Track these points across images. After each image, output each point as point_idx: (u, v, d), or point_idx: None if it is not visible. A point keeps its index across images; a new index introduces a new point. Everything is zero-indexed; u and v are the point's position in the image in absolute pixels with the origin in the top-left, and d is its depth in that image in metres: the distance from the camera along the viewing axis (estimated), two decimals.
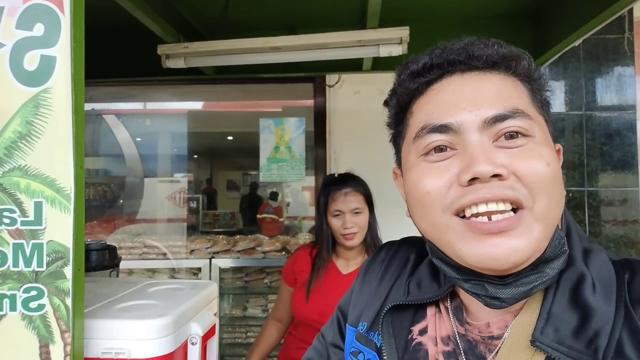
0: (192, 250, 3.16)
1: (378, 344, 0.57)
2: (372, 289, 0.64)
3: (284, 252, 2.78)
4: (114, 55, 1.54)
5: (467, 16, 1.45)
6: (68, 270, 0.73)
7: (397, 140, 0.59)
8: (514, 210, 0.46)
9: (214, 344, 1.05)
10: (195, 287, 1.08)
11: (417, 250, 0.64)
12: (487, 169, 0.45)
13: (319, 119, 2.34)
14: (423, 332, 0.56)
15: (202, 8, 1.31)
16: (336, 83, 2.22)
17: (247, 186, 6.84)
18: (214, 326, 1.04)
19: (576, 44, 1.66)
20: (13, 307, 0.73)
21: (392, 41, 1.12)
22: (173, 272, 3.02)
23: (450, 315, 0.55)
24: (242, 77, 2.00)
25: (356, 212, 1.43)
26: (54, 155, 0.73)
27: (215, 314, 1.07)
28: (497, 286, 0.47)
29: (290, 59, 1.22)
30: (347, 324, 0.65)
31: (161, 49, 1.19)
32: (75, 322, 0.74)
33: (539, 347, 0.45)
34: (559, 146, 0.54)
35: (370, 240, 1.48)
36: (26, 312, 0.73)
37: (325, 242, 1.48)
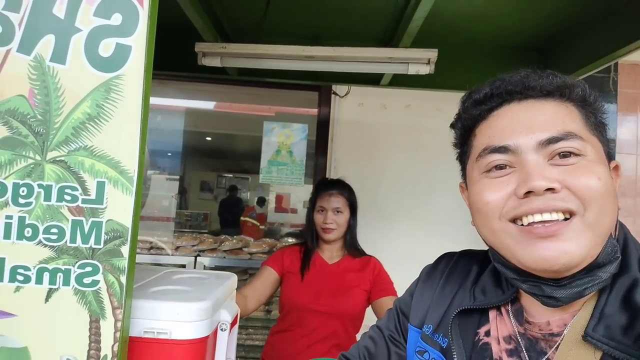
0: (178, 247, 3.15)
1: (443, 345, 0.63)
2: (435, 295, 0.70)
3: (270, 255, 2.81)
4: None
5: (483, 44, 1.55)
6: (125, 249, 0.76)
7: (462, 158, 0.66)
8: (567, 219, 0.52)
9: (235, 332, 1.09)
10: (219, 277, 1.12)
11: (478, 261, 0.71)
12: (541, 183, 0.51)
13: (322, 127, 2.40)
14: (488, 333, 0.62)
15: (240, 13, 1.36)
16: (346, 94, 2.29)
17: (222, 188, 6.80)
18: (237, 315, 1.08)
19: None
20: (67, 282, 0.76)
21: (421, 61, 1.20)
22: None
23: (511, 317, 0.61)
24: (253, 81, 2.04)
25: (337, 211, 1.68)
26: (120, 139, 0.77)
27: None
28: (553, 287, 0.53)
29: (321, 68, 1.28)
30: (409, 324, 0.71)
31: (199, 47, 1.23)
32: (126, 299, 0.77)
33: (589, 341, 0.51)
34: (616, 163, 0.60)
35: (350, 239, 1.74)
36: (79, 287, 0.76)
37: (310, 234, 1.73)
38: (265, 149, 2.48)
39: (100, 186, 0.76)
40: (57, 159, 0.76)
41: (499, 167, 0.57)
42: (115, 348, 0.75)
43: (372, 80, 1.68)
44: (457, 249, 0.78)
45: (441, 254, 0.80)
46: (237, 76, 1.67)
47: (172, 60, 1.44)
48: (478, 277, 0.68)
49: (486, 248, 0.67)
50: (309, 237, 1.72)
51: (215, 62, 1.24)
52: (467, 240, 0.64)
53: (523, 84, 0.58)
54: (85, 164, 0.76)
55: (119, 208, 0.76)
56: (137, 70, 0.77)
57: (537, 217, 0.52)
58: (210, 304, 0.88)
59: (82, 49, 0.77)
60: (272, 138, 2.49)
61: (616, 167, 0.60)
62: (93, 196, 0.76)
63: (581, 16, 1.36)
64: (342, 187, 1.73)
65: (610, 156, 0.59)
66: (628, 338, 0.50)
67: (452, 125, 0.68)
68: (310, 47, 1.22)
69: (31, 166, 0.76)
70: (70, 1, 0.78)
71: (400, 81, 1.58)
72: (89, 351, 0.75)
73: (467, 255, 0.74)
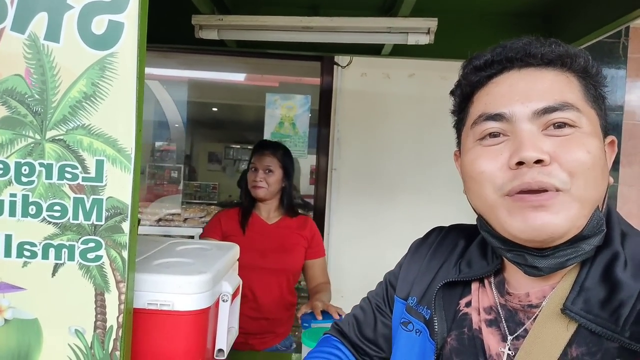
0: (186, 219, 3.21)
1: (426, 317, 0.65)
2: (421, 268, 0.71)
3: None
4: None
5: (485, 12, 1.50)
6: (126, 225, 0.78)
7: (459, 126, 0.66)
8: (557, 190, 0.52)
9: (237, 303, 1.12)
10: (221, 248, 1.15)
11: (466, 236, 0.72)
12: (532, 154, 0.51)
13: (325, 98, 2.38)
14: (468, 304, 0.64)
15: None
16: (348, 64, 2.26)
17: (230, 159, 6.80)
18: (239, 286, 1.11)
19: (583, 47, 1.75)
20: (71, 257, 0.79)
21: (421, 30, 1.17)
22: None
23: (493, 288, 0.63)
24: (256, 52, 2.02)
25: (268, 170, 1.74)
26: (117, 117, 0.77)
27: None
28: (536, 257, 0.54)
29: (320, 39, 1.26)
30: (396, 296, 0.73)
31: (196, 19, 1.21)
32: (129, 273, 0.80)
33: (568, 314, 0.52)
34: (612, 138, 0.60)
35: (286, 200, 1.81)
36: (84, 262, 0.79)
37: (244, 192, 1.80)
38: (268, 121, 2.48)
39: (100, 164, 0.78)
40: (56, 137, 0.78)
41: (493, 134, 0.57)
42: (120, 319, 0.79)
43: (374, 50, 1.65)
44: (461, 219, 0.80)
45: (437, 226, 0.81)
46: (236, 48, 1.65)
47: (172, 32, 1.43)
48: (465, 251, 0.69)
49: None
50: (244, 196, 1.80)
51: (212, 35, 1.23)
52: (470, 210, 0.65)
53: (525, 51, 0.57)
54: (83, 142, 0.78)
55: (119, 185, 0.78)
56: (131, 47, 0.77)
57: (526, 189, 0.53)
58: (211, 276, 0.91)
59: (75, 27, 0.77)
60: (275, 110, 2.48)
61: (612, 142, 0.60)
62: (93, 174, 0.78)
63: None
64: (276, 148, 1.79)
65: (606, 130, 0.59)
66: (605, 311, 0.51)
67: (452, 92, 0.67)
68: (307, 17, 1.19)
69: (31, 145, 0.78)
70: None
71: (403, 51, 1.55)
72: (95, 322, 0.79)
73: (456, 229, 0.75)
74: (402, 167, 2.37)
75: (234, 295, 1.06)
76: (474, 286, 0.65)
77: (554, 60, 0.57)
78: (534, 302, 0.58)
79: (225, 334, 0.99)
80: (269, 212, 1.81)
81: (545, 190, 0.52)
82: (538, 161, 0.52)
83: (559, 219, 0.52)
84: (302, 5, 1.52)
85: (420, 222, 2.36)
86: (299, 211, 1.87)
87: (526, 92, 0.55)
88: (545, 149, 0.52)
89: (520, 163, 0.52)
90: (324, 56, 2.28)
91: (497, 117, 0.56)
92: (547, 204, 0.51)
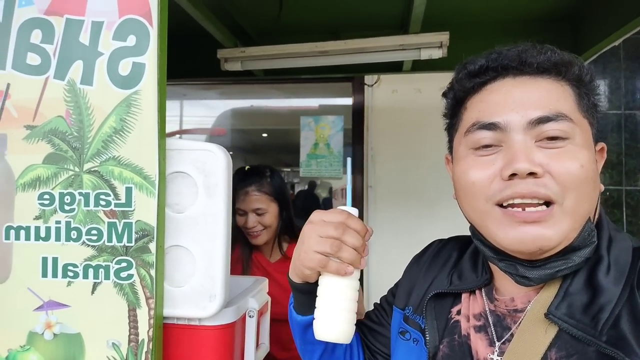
0: None
1: (422, 325, 0.66)
2: (418, 278, 0.73)
3: None
4: (174, 57, 1.69)
5: (505, 20, 1.49)
6: (152, 246, 0.86)
7: (450, 130, 0.66)
8: (547, 204, 0.52)
9: (266, 320, 1.16)
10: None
11: (460, 248, 0.72)
12: (525, 166, 0.51)
13: (357, 116, 2.42)
14: (459, 312, 0.64)
15: (256, 15, 1.43)
16: (375, 83, 2.30)
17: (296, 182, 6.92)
18: (267, 303, 1.16)
19: (616, 43, 1.68)
20: (107, 276, 0.87)
21: (433, 45, 1.19)
22: None
23: (483, 295, 0.63)
24: (288, 78, 2.11)
25: (258, 213, 1.42)
26: (142, 148, 0.86)
27: (268, 293, 1.19)
28: (527, 268, 0.54)
29: (336, 62, 1.32)
30: (394, 307, 0.74)
31: (221, 53, 1.31)
32: (158, 290, 0.86)
33: (551, 319, 0.52)
34: (602, 145, 0.59)
35: (288, 230, 1.49)
36: (118, 281, 0.87)
37: (241, 239, 1.48)
38: (303, 143, 2.55)
39: (129, 191, 0.86)
40: (92, 169, 0.87)
41: (487, 145, 0.56)
42: (151, 333, 0.85)
43: (398, 67, 1.67)
44: None
45: (438, 238, 0.82)
46: (263, 76, 1.74)
47: (202, 66, 1.54)
48: (458, 262, 0.70)
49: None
50: (241, 242, 1.49)
51: (236, 67, 1.32)
52: None
53: (520, 59, 0.57)
54: (114, 172, 0.87)
55: (145, 209, 0.86)
56: (152, 84, 0.86)
57: (517, 200, 0.53)
58: (234, 292, 0.96)
59: (105, 70, 0.87)
60: (309, 132, 2.56)
61: (602, 150, 0.59)
62: (123, 200, 0.86)
63: None
64: (260, 180, 1.43)
65: (597, 138, 0.58)
66: (586, 316, 0.51)
67: (444, 95, 0.66)
68: (322, 42, 1.25)
69: (72, 177, 0.88)
70: (92, 29, 0.88)
71: (425, 65, 1.56)
72: (129, 336, 0.86)
73: (453, 241, 0.76)
74: (438, 181, 2.33)
75: (261, 312, 1.10)
76: (464, 295, 0.65)
77: (550, 68, 0.56)
78: (519, 307, 0.58)
79: (252, 349, 1.03)
80: (268, 250, 1.53)
81: (537, 203, 0.52)
82: (531, 173, 0.52)
83: (550, 233, 0.51)
84: (324, 31, 1.59)
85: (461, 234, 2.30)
86: None
87: (521, 100, 0.54)
88: (538, 161, 0.52)
89: (513, 175, 0.52)
90: (354, 76, 2.34)
91: (491, 126, 0.55)
92: (538, 219, 0.51)
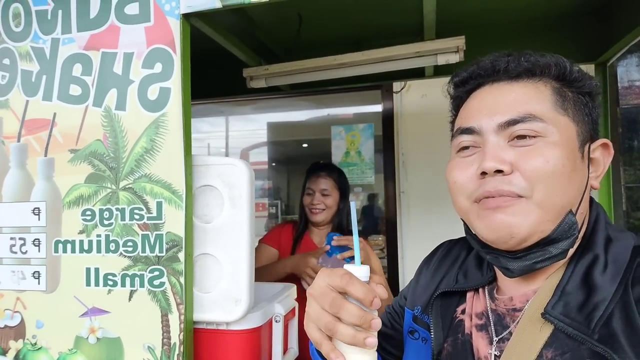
0: None
1: (430, 325, 0.67)
2: (427, 279, 0.75)
3: None
4: (204, 78, 1.79)
5: (527, 18, 1.46)
6: (182, 255, 0.92)
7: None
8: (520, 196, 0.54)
9: (294, 324, 1.20)
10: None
11: (468, 247, 0.74)
12: (491, 165, 0.55)
13: (387, 123, 2.43)
14: (464, 311, 0.66)
15: (278, 33, 1.49)
16: (402, 89, 2.30)
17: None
18: (294, 309, 1.20)
19: None
20: (142, 284, 0.94)
21: (449, 50, 1.20)
22: None
23: (486, 294, 0.64)
24: (317, 90, 2.16)
25: (324, 194, 1.69)
26: (170, 165, 0.93)
27: (295, 299, 1.23)
28: (508, 259, 0.57)
29: (356, 72, 1.35)
30: (405, 308, 0.76)
31: (246, 72, 1.38)
32: (187, 296, 0.93)
33: (547, 318, 0.53)
34: (602, 141, 0.60)
35: (338, 222, 1.73)
36: (151, 288, 0.94)
37: (301, 218, 1.76)
38: (334, 152, 2.59)
39: (159, 205, 0.94)
40: (127, 186, 0.96)
41: (466, 147, 0.61)
42: (181, 337, 0.91)
43: (421, 72, 1.68)
44: None
45: (448, 239, 0.82)
46: (290, 90, 1.80)
47: (238, 84, 1.61)
48: (464, 261, 0.71)
49: None
50: (300, 220, 1.77)
51: (261, 84, 1.38)
52: None
53: (493, 67, 0.61)
54: (146, 188, 0.94)
55: (174, 221, 0.93)
56: (177, 107, 0.93)
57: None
58: (260, 299, 1.01)
59: (136, 96, 0.96)
60: (340, 141, 2.59)
61: (604, 145, 0.60)
62: (154, 214, 0.94)
63: None
64: (331, 170, 1.74)
65: (592, 134, 0.59)
66: (581, 315, 0.52)
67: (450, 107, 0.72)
68: (340, 55, 1.29)
69: (110, 194, 0.97)
70: (124, 59, 0.97)
71: (446, 70, 1.56)
72: (162, 340, 0.93)
73: (462, 240, 0.77)
74: None
75: (288, 317, 1.14)
76: (469, 294, 0.67)
77: (522, 73, 0.59)
78: (517, 306, 0.59)
79: (280, 353, 1.07)
80: (321, 237, 1.75)
81: (504, 196, 0.55)
82: (499, 171, 0.55)
83: (517, 221, 0.54)
84: (344, 43, 1.63)
85: None
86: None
87: (493, 106, 0.58)
88: (507, 160, 0.55)
89: (484, 173, 0.56)
90: (382, 84, 2.36)
91: (468, 130, 0.60)
92: (503, 205, 0.54)
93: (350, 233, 1.67)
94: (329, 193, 1.69)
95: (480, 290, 0.66)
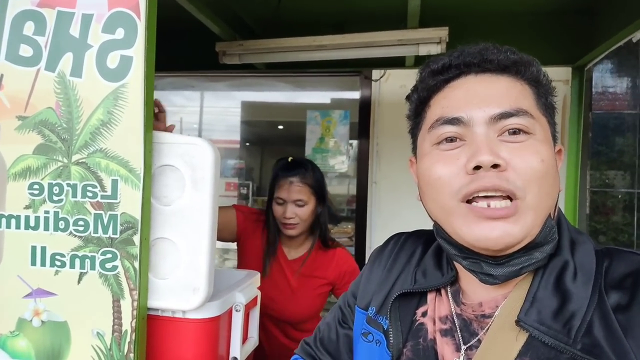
0: None
1: (385, 327, 0.64)
2: (381, 277, 0.71)
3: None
4: (175, 50, 1.69)
5: (513, 12, 1.44)
6: (137, 238, 0.86)
7: (414, 131, 0.66)
8: (509, 199, 0.52)
9: (255, 313, 1.17)
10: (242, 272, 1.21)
11: (423, 242, 0.71)
12: (489, 158, 0.51)
13: (364, 111, 2.40)
14: (425, 314, 0.63)
15: (256, 8, 1.42)
16: (381, 77, 2.27)
17: None
18: (256, 297, 1.16)
19: (634, 40, 1.61)
20: (92, 267, 0.88)
21: (432, 40, 1.16)
22: (225, 252, 3.23)
23: (450, 297, 0.62)
24: (290, 72, 2.10)
25: (299, 204, 1.40)
26: (128, 141, 0.86)
27: (258, 288, 1.19)
28: (491, 265, 0.54)
29: (336, 56, 1.30)
30: (356, 307, 0.73)
31: (219, 47, 1.31)
32: (141, 282, 0.87)
33: (522, 326, 0.51)
34: (559, 147, 0.60)
35: (318, 230, 1.46)
36: (103, 272, 0.88)
37: (272, 228, 1.46)
38: (309, 137, 2.55)
39: (114, 183, 0.87)
40: (80, 161, 0.88)
41: (450, 139, 0.57)
42: (134, 324, 0.86)
43: (401, 61, 1.65)
44: None
45: (397, 232, 0.80)
46: (265, 70, 1.73)
47: (201, 59, 1.53)
48: (421, 259, 0.68)
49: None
50: (271, 232, 1.46)
51: (234, 60, 1.31)
52: None
53: (482, 56, 0.58)
54: (101, 164, 0.87)
55: (130, 202, 0.86)
56: (139, 78, 0.86)
57: (482, 194, 0.53)
58: (221, 286, 0.96)
59: (94, 63, 0.87)
60: (315, 126, 2.55)
61: (560, 151, 0.60)
62: (109, 192, 0.87)
63: None
64: (305, 173, 1.42)
65: (555, 139, 0.59)
66: (557, 323, 0.50)
67: (407, 98, 0.67)
68: (320, 37, 1.23)
69: (60, 168, 0.89)
70: (83, 21, 0.88)
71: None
72: (113, 326, 0.87)
73: (415, 235, 0.74)
74: None
75: (249, 307, 1.10)
76: (430, 296, 0.64)
77: (509, 66, 0.57)
78: (487, 312, 0.57)
79: (239, 343, 1.03)
80: (291, 248, 1.51)
81: (500, 196, 0.52)
82: (495, 166, 0.52)
83: (515, 228, 0.51)
84: (326, 25, 1.57)
85: None
86: (331, 244, 1.52)
87: (483, 96, 0.56)
88: (501, 155, 0.52)
89: (477, 167, 0.52)
90: (361, 70, 2.31)
91: (454, 120, 0.56)
92: (504, 216, 0.51)
93: (326, 245, 1.50)
94: (305, 203, 1.40)
95: (443, 292, 0.63)
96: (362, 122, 2.39)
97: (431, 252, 0.68)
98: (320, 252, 1.49)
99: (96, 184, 0.88)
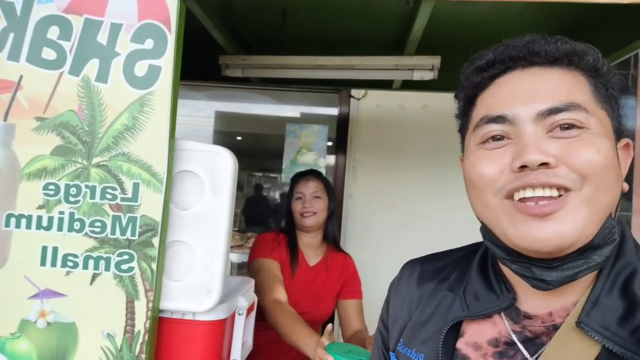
0: None
1: None
2: (405, 308, 0.67)
3: None
4: None
5: (495, 42, 1.59)
6: (156, 240, 0.89)
7: (462, 130, 0.63)
8: (561, 195, 0.48)
9: (252, 318, 1.21)
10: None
11: (454, 264, 0.67)
12: (535, 157, 0.48)
13: (342, 127, 2.50)
14: (466, 341, 0.58)
15: (258, 24, 1.48)
16: (363, 97, 2.39)
17: (252, 186, 6.95)
18: (254, 302, 1.20)
19: None
20: (107, 268, 0.90)
21: (425, 67, 1.28)
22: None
23: (503, 316, 0.56)
24: (282, 87, 2.15)
25: (315, 196, 1.64)
26: (152, 146, 0.90)
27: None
28: (544, 269, 0.50)
29: (332, 76, 1.38)
30: (390, 352, 0.67)
31: (222, 59, 1.35)
32: (157, 283, 0.90)
33: (584, 329, 0.47)
34: (626, 140, 0.56)
35: (330, 230, 1.70)
36: (118, 273, 0.89)
37: (289, 226, 1.66)
38: (287, 150, 2.61)
39: (136, 186, 0.90)
40: (101, 163, 0.90)
41: (496, 138, 0.53)
42: (147, 325, 0.88)
43: (386, 84, 1.76)
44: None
45: (408, 260, 0.75)
46: (258, 83, 1.79)
47: (201, 70, 1.57)
48: (466, 282, 0.62)
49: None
50: (288, 228, 1.66)
51: (237, 73, 1.36)
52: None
53: (528, 49, 0.54)
54: (123, 167, 0.90)
55: (151, 205, 0.89)
56: (166, 87, 0.90)
57: (529, 193, 0.50)
58: (227, 290, 1.00)
59: (121, 70, 0.90)
60: (294, 139, 2.61)
61: (627, 145, 0.56)
62: (130, 195, 0.90)
63: (592, 12, 1.38)
64: (318, 174, 1.71)
65: (620, 132, 0.55)
66: (624, 330, 0.47)
67: (455, 96, 0.64)
68: (322, 57, 1.32)
69: (79, 170, 0.90)
70: (111, 30, 0.91)
71: (414, 84, 1.65)
72: (125, 327, 0.89)
73: (436, 258, 0.71)
74: (416, 194, 2.43)
75: (249, 310, 1.14)
76: (467, 320, 0.59)
77: (560, 58, 0.53)
78: (558, 322, 0.53)
79: (239, 346, 1.07)
80: (312, 250, 1.67)
81: (547, 197, 0.48)
82: (543, 164, 0.48)
83: (565, 227, 0.48)
84: (319, 44, 1.66)
85: (436, 248, 2.39)
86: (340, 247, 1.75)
87: (530, 92, 0.52)
88: (550, 152, 0.49)
89: (523, 167, 0.49)
90: (341, 88, 2.42)
91: (499, 119, 0.53)
92: (551, 212, 0.48)
93: (338, 246, 1.73)
94: (320, 196, 1.64)
95: (496, 314, 0.57)
96: (340, 137, 2.49)
97: (476, 273, 0.61)
98: (334, 255, 1.70)
99: (116, 186, 0.90)
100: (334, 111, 2.55)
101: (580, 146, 0.49)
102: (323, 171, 2.65)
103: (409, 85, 1.72)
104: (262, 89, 2.42)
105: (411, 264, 0.73)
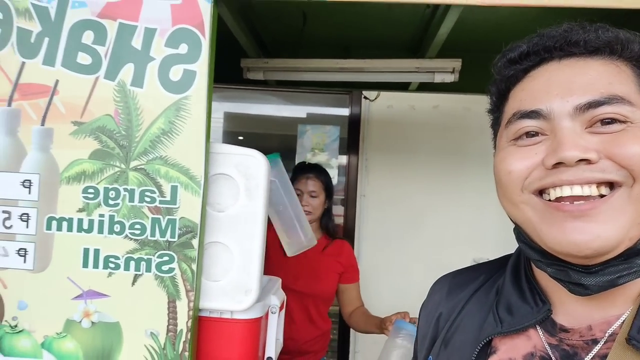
0: None
1: None
2: (433, 324, 0.64)
3: None
4: None
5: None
6: (195, 242, 0.91)
7: (494, 126, 0.59)
8: (602, 196, 0.44)
9: (282, 316, 1.22)
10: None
11: (483, 279, 0.63)
12: (573, 153, 0.44)
13: (354, 127, 2.51)
14: (500, 358, 0.54)
15: (278, 27, 1.50)
16: (376, 98, 2.41)
17: None
18: (284, 301, 1.22)
19: None
20: (148, 269, 0.92)
21: (446, 70, 1.30)
22: None
23: (538, 329, 0.53)
24: (298, 88, 2.18)
25: (313, 195, 1.74)
26: (189, 150, 0.91)
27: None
28: (582, 274, 0.46)
29: (352, 79, 1.41)
30: None
31: (245, 63, 1.37)
32: (197, 284, 0.92)
33: (634, 345, 0.43)
34: None
35: (325, 222, 1.82)
36: (159, 274, 0.91)
37: None
38: (299, 150, 2.63)
39: (174, 189, 0.92)
40: (138, 167, 0.92)
41: (530, 134, 0.49)
42: (189, 324, 0.90)
43: (401, 86, 1.78)
44: (486, 243, 0.76)
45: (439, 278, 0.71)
46: (275, 86, 1.81)
47: (223, 73, 1.58)
48: (497, 294, 0.59)
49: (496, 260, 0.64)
50: None
51: (258, 76, 1.38)
52: (496, 245, 0.65)
53: (564, 39, 0.50)
54: (161, 171, 0.92)
55: (190, 207, 0.91)
56: (201, 91, 0.92)
57: (567, 191, 0.45)
58: (262, 289, 1.02)
59: (156, 75, 0.92)
60: (306, 140, 2.63)
61: None
62: (168, 198, 0.92)
63: (615, 17, 1.40)
64: (319, 172, 1.79)
65: None
66: None
67: (488, 91, 0.60)
68: (342, 59, 1.34)
69: (118, 173, 0.92)
70: (145, 35, 0.93)
71: (429, 86, 1.68)
72: (167, 326, 0.91)
73: (463, 274, 0.67)
74: (427, 193, 2.45)
75: (280, 308, 1.16)
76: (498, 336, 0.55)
77: (601, 47, 0.49)
78: (598, 336, 0.48)
79: (273, 343, 1.09)
80: None
81: (586, 197, 0.44)
82: (582, 160, 0.44)
83: (606, 230, 0.43)
84: (335, 46, 1.68)
85: (447, 247, 2.42)
86: (336, 234, 1.87)
87: (567, 85, 0.47)
88: (591, 147, 0.44)
89: (559, 164, 0.45)
90: (352, 90, 2.44)
91: (533, 114, 0.48)
92: (590, 213, 0.43)
93: (333, 235, 1.85)
94: (317, 195, 1.73)
95: (531, 328, 0.53)
96: (352, 137, 2.51)
97: (509, 283, 0.57)
98: (330, 242, 1.82)
99: (155, 189, 0.92)
100: (344, 112, 2.57)
101: (627, 140, 0.44)
102: (335, 171, 2.66)
103: (424, 87, 1.74)
104: (274, 90, 2.44)
105: (440, 280, 0.69)
